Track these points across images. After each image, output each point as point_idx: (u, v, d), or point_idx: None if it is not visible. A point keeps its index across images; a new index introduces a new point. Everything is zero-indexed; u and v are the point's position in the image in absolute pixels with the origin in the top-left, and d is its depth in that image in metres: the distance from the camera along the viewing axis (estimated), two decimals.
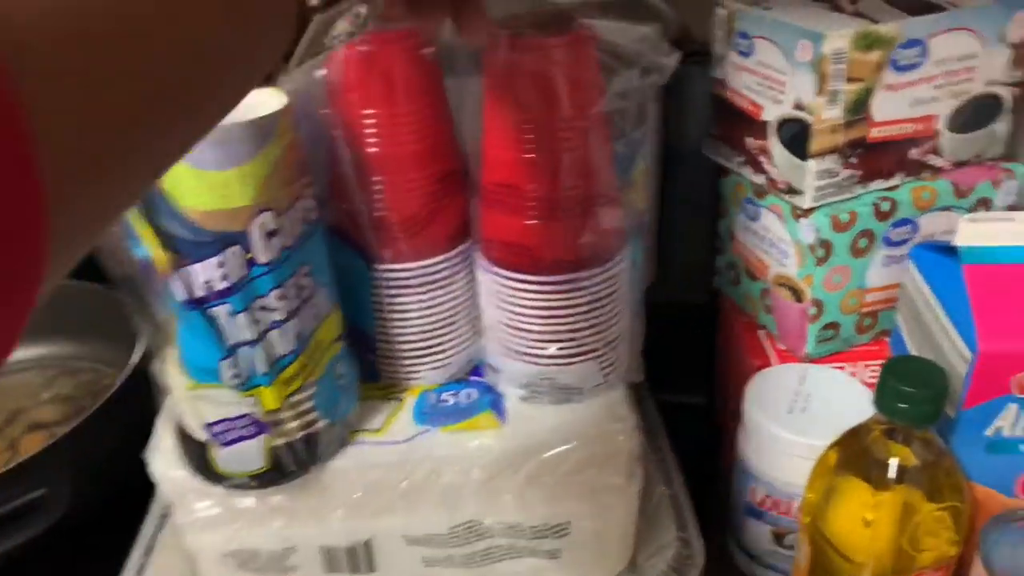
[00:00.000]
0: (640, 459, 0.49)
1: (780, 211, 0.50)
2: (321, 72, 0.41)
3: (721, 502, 0.60)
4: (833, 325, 0.51)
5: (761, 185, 0.51)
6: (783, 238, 0.50)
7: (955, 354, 0.41)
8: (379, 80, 0.42)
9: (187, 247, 0.38)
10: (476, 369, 0.51)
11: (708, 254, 0.62)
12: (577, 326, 0.45)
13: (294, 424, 0.43)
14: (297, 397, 0.43)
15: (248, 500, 0.47)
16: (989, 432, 0.41)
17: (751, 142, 0.50)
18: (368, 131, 0.43)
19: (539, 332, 0.45)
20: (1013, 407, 0.40)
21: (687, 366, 0.69)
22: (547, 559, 0.50)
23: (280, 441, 0.43)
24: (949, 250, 0.44)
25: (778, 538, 0.50)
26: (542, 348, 0.46)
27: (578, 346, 0.46)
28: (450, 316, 0.49)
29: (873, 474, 0.40)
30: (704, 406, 0.70)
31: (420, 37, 0.43)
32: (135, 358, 0.61)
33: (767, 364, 0.53)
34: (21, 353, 0.77)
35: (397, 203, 0.45)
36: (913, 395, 0.37)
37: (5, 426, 0.70)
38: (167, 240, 0.38)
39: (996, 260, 0.41)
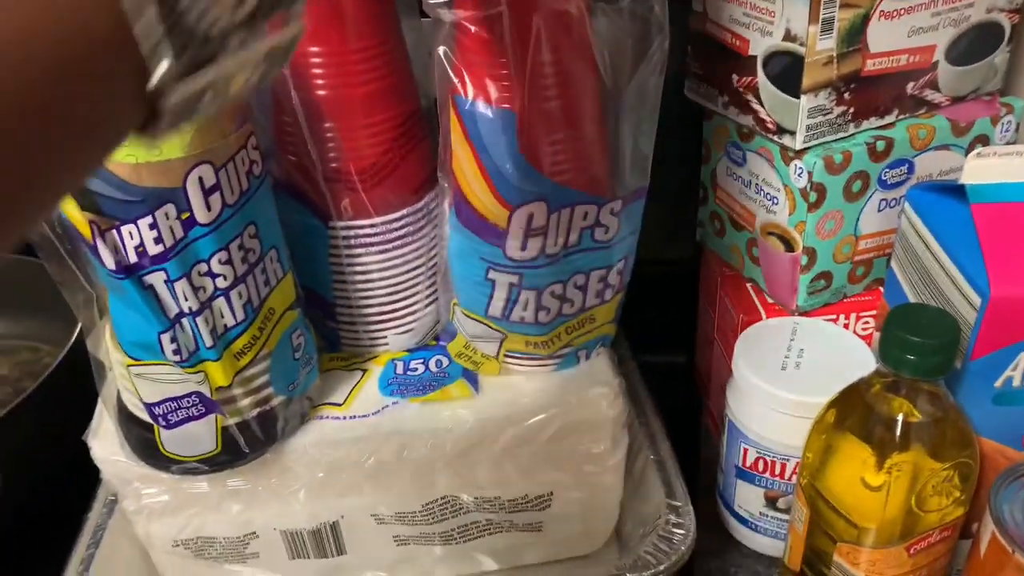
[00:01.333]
0: (625, 425, 0.46)
1: (769, 154, 0.46)
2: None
3: (704, 465, 0.57)
4: (825, 275, 0.48)
5: (747, 127, 0.47)
6: (772, 183, 0.47)
7: (962, 301, 0.38)
8: (326, 14, 0.38)
9: (114, 207, 0.33)
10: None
11: (688, 206, 0.58)
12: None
13: (247, 401, 0.39)
14: (249, 372, 0.39)
15: (201, 485, 0.43)
16: (998, 383, 0.39)
17: (736, 80, 0.46)
18: (316, 71, 0.38)
19: None
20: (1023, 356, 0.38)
21: (667, 325, 0.66)
22: (529, 533, 0.47)
23: (232, 420, 0.39)
24: (950, 190, 0.41)
25: (771, 501, 0.47)
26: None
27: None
28: (416, 275, 0.45)
29: (875, 432, 0.38)
30: (684, 365, 0.67)
31: None
32: (75, 335, 0.56)
33: (756, 319, 0.50)
34: None
35: (354, 152, 0.40)
36: (922, 346, 0.34)
37: None
38: (90, 200, 0.33)
39: (1006, 198, 0.38)
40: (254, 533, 0.45)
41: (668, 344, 0.66)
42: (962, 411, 0.37)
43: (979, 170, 0.38)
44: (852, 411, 0.39)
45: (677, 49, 0.51)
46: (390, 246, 0.43)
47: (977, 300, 0.37)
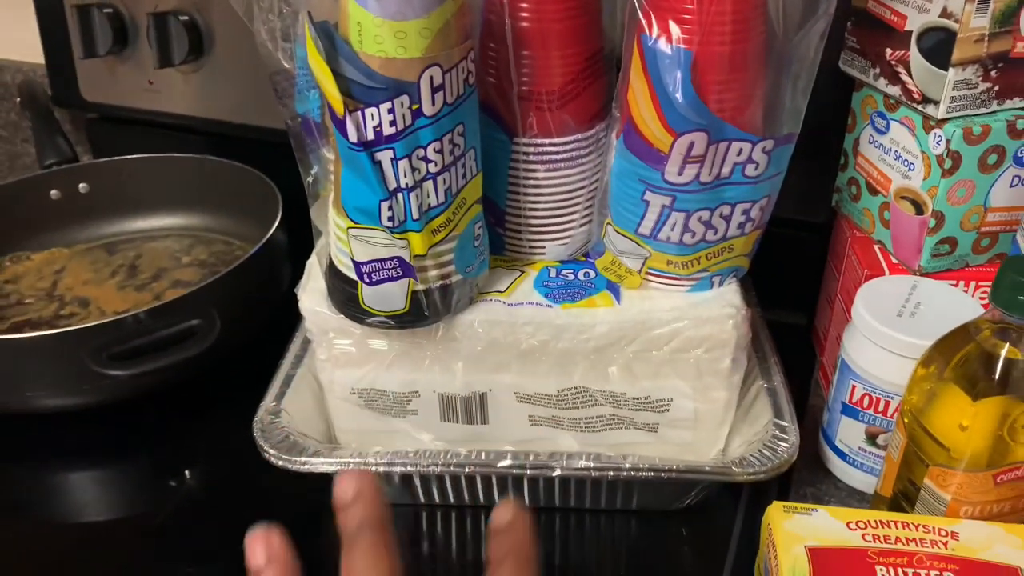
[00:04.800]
0: (745, 348, 0.52)
1: (911, 123, 0.51)
2: None
3: (811, 412, 0.62)
4: (950, 240, 0.52)
5: (894, 97, 0.52)
6: (911, 150, 0.51)
7: None
8: None
9: (362, 92, 0.42)
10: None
11: (825, 177, 0.63)
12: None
13: (434, 272, 0.47)
14: (440, 248, 0.47)
15: (383, 343, 0.51)
16: None
17: (891, 53, 0.51)
18: (524, 5, 0.46)
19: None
20: None
21: (793, 286, 0.70)
22: (646, 432, 0.54)
23: (421, 287, 0.47)
24: None
25: (871, 437, 0.52)
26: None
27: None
28: (578, 194, 0.52)
29: (976, 368, 0.42)
30: (804, 327, 0.71)
31: None
32: (270, 232, 0.67)
33: (880, 275, 0.55)
34: (163, 221, 0.84)
35: (546, 77, 0.48)
36: None
37: (152, 281, 0.77)
38: (345, 84, 0.42)
39: None
40: (417, 392, 0.53)
41: (792, 304, 0.71)
42: None
43: None
44: (957, 349, 0.43)
45: (835, 28, 0.56)
46: (562, 165, 0.50)
47: None
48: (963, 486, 0.43)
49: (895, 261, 0.55)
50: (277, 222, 0.68)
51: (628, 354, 0.51)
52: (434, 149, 0.44)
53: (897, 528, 0.43)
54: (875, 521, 0.43)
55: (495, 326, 0.50)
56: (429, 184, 0.45)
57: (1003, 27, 0.46)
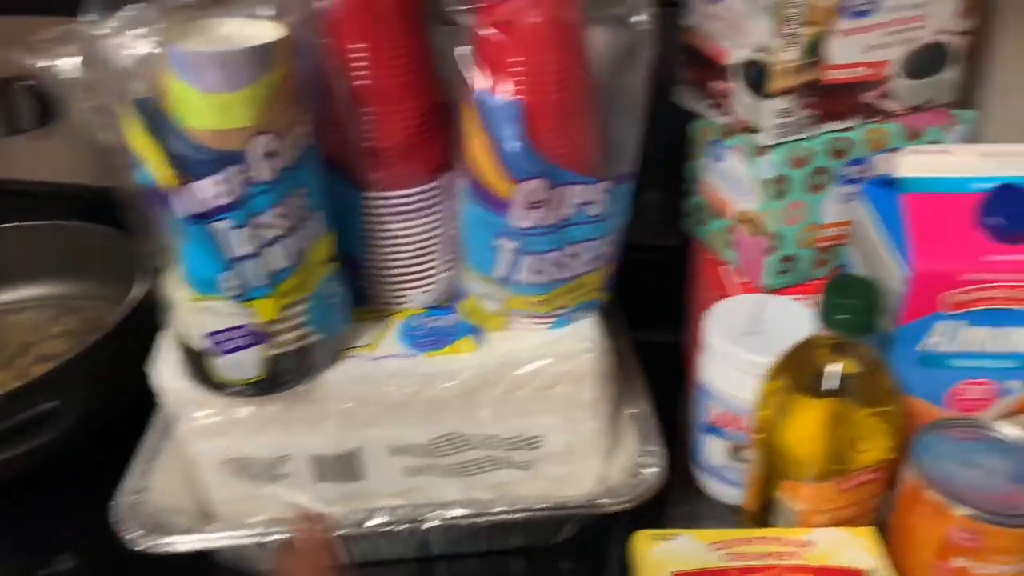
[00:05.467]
0: (609, 378, 0.53)
1: (742, 150, 0.53)
2: (321, 3, 0.45)
3: (682, 430, 0.64)
4: (790, 258, 0.55)
5: (726, 126, 0.54)
6: (744, 175, 0.54)
7: (893, 276, 0.45)
8: (376, 16, 0.46)
9: (191, 165, 0.41)
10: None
11: (679, 200, 0.65)
12: None
13: (289, 336, 0.47)
14: (293, 310, 0.46)
15: (245, 409, 0.50)
16: (921, 348, 0.46)
17: (717, 85, 0.54)
18: (360, 64, 0.46)
19: None
20: (943, 324, 0.44)
21: (661, 307, 0.73)
22: (522, 470, 0.55)
23: (276, 351, 0.47)
24: (890, 182, 0.48)
25: (735, 452, 0.54)
26: None
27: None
28: (435, 242, 0.52)
29: (813, 382, 0.44)
30: (672, 344, 0.74)
31: None
32: (136, 293, 0.64)
33: (730, 295, 0.57)
34: (23, 292, 0.80)
35: (387, 133, 0.48)
36: (850, 307, 0.41)
37: (16, 358, 0.73)
38: (173, 159, 0.41)
39: (931, 189, 0.44)
40: (288, 456, 0.52)
41: (661, 324, 0.73)
42: (887, 368, 0.44)
43: (911, 165, 0.45)
44: (798, 364, 0.46)
45: (670, 61, 0.59)
46: (413, 215, 0.51)
47: (902, 273, 0.44)
48: (812, 497, 0.46)
49: (743, 280, 0.58)
50: (143, 282, 0.65)
51: (496, 396, 0.51)
52: (275, 214, 0.43)
53: (755, 544, 0.44)
54: (735, 539, 0.45)
55: (361, 382, 0.50)
56: (274, 248, 0.44)
57: (812, 58, 0.49)
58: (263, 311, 0.45)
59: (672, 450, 0.54)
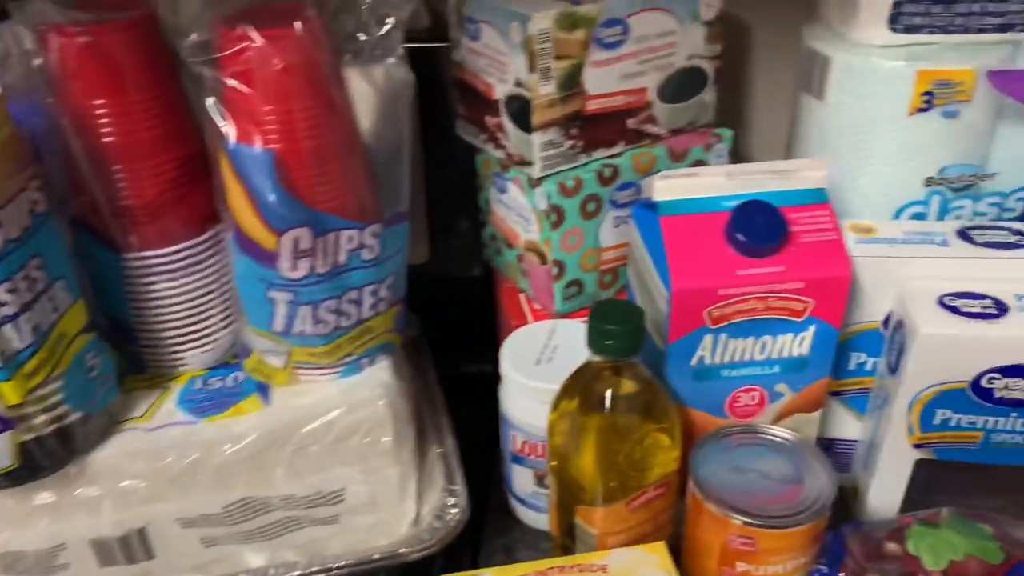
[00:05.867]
0: (408, 422, 0.52)
1: (520, 182, 0.54)
2: (38, 62, 0.42)
3: (500, 458, 0.64)
4: (576, 283, 0.56)
5: (504, 159, 0.55)
6: (525, 207, 0.54)
7: (660, 296, 0.47)
8: (105, 70, 0.43)
9: None
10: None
11: (477, 231, 0.66)
12: None
13: (43, 418, 0.43)
14: (43, 391, 0.43)
15: (7, 500, 0.46)
16: (694, 362, 0.47)
17: (489, 120, 0.54)
18: (100, 121, 0.44)
19: None
20: (709, 337, 0.46)
21: (475, 336, 0.73)
22: (328, 526, 0.53)
23: (29, 436, 0.43)
24: (652, 205, 0.50)
25: (540, 480, 0.54)
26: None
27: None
28: (209, 299, 0.50)
29: (594, 405, 0.45)
30: (491, 374, 0.74)
31: (144, 24, 0.44)
32: None
33: (525, 323, 0.58)
34: None
35: (137, 191, 0.45)
36: (613, 332, 0.42)
37: None
38: None
39: (686, 210, 0.46)
40: (63, 544, 0.48)
41: (479, 354, 0.73)
42: (661, 385, 0.46)
43: (665, 189, 0.47)
44: (581, 388, 0.46)
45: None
46: (179, 273, 0.48)
47: (666, 293, 0.45)
48: (605, 519, 0.46)
49: (538, 308, 0.58)
50: None
51: (288, 454, 0.49)
52: (5, 290, 0.40)
53: (555, 573, 0.44)
54: (533, 572, 0.45)
55: (137, 457, 0.47)
56: (8, 328, 0.41)
57: (570, 90, 0.50)
58: (6, 395, 0.41)
59: (491, 482, 0.54)
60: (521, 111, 0.50)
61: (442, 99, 0.59)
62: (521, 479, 0.55)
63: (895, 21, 0.49)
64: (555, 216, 0.52)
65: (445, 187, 0.63)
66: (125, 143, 0.44)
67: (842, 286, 0.45)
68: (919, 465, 0.50)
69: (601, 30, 0.49)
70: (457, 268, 0.68)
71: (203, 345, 0.51)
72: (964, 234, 0.49)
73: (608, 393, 0.45)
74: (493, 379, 0.73)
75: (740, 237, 0.45)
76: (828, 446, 0.56)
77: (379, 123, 0.47)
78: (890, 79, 0.49)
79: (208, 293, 0.50)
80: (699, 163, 0.57)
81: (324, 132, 0.44)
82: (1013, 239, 0.48)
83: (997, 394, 0.46)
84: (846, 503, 0.56)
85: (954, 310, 0.45)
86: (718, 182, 0.46)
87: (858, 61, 0.50)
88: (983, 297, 0.46)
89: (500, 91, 0.52)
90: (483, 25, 0.51)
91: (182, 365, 0.51)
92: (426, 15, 0.64)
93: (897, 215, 0.53)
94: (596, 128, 0.52)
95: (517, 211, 0.56)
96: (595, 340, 0.43)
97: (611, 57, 0.51)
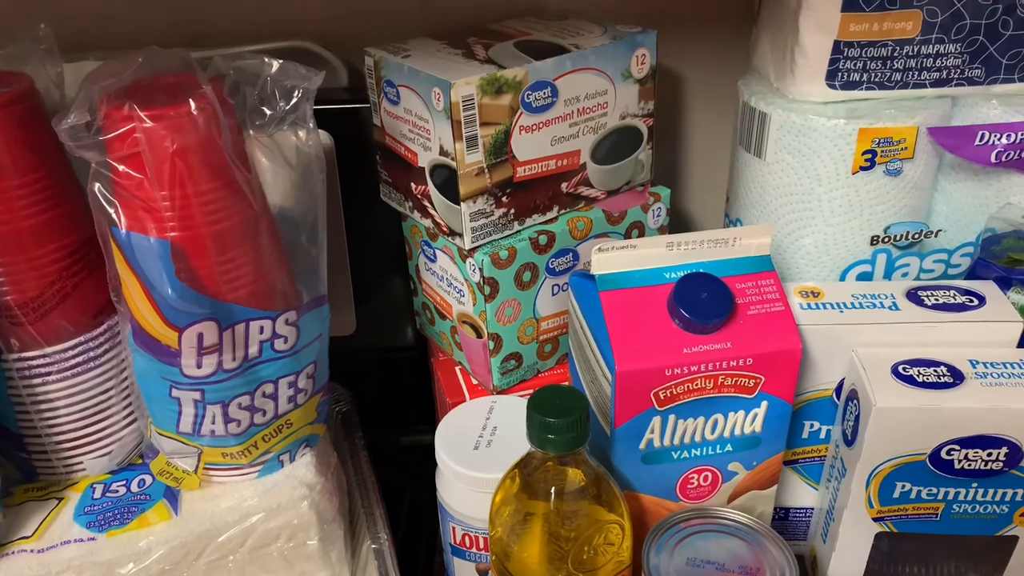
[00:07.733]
0: (335, 520, 0.48)
1: (451, 252, 0.51)
2: None
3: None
4: (515, 356, 0.52)
5: (431, 228, 0.51)
6: (457, 277, 0.51)
7: (603, 375, 0.43)
8: None
9: None
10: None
11: (408, 300, 0.62)
12: None
13: None
14: None
15: None
16: (642, 445, 0.44)
17: (415, 187, 0.51)
18: None
19: None
20: (657, 419, 0.43)
21: (411, 406, 0.68)
22: None
23: None
24: (591, 277, 0.47)
25: (482, 574, 0.50)
26: None
27: None
28: (106, 398, 0.45)
29: (537, 500, 0.42)
30: (430, 444, 0.70)
31: (22, 101, 0.40)
32: None
33: (462, 399, 0.54)
34: None
35: (15, 286, 0.40)
36: (555, 426, 0.39)
37: None
38: None
39: (626, 284, 0.43)
40: None
41: (417, 425, 0.69)
42: (607, 475, 0.42)
43: (602, 262, 0.44)
44: (523, 478, 0.43)
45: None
46: (69, 373, 0.43)
47: (610, 375, 0.42)
48: None
49: (475, 382, 0.55)
50: None
51: (202, 569, 0.44)
52: None
53: None
54: None
55: None
56: None
57: (499, 157, 0.47)
58: None
59: (434, 568, 0.50)
60: (447, 181, 0.47)
61: (368, 158, 0.55)
62: (463, 572, 0.51)
63: (832, 77, 0.48)
64: (489, 288, 0.49)
65: (373, 251, 0.59)
66: (6, 232, 0.40)
67: (793, 360, 0.43)
68: (879, 537, 0.48)
69: (529, 94, 0.46)
70: (389, 337, 0.64)
71: (102, 448, 0.46)
72: (914, 295, 0.47)
73: (552, 489, 0.41)
74: (432, 449, 0.69)
75: (684, 313, 0.42)
76: (783, 515, 0.53)
77: (291, 200, 0.43)
78: (831, 137, 0.47)
79: (106, 392, 0.45)
80: (638, 224, 0.54)
81: (226, 216, 0.39)
82: (963, 299, 0.47)
83: (957, 465, 0.44)
84: (806, 574, 0.54)
85: (910, 380, 0.43)
86: (658, 253, 0.44)
87: (797, 119, 0.48)
88: (937, 364, 0.44)
89: (424, 159, 0.48)
90: (403, 89, 0.47)
91: (79, 471, 0.46)
92: (345, 74, 0.61)
93: (843, 276, 0.51)
94: (528, 194, 0.49)
95: (448, 281, 0.52)
96: (536, 435, 0.39)
97: (541, 121, 0.48)
